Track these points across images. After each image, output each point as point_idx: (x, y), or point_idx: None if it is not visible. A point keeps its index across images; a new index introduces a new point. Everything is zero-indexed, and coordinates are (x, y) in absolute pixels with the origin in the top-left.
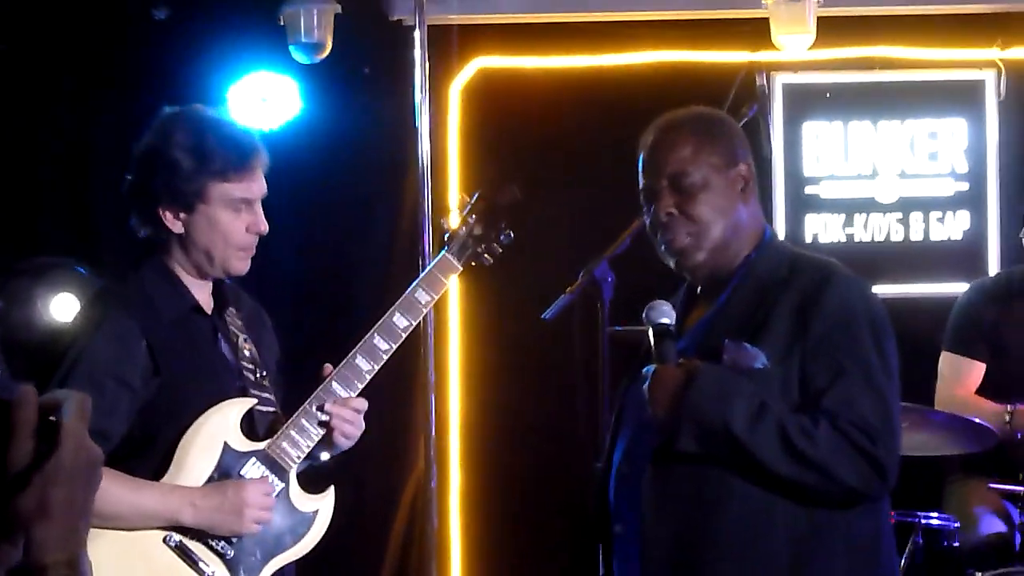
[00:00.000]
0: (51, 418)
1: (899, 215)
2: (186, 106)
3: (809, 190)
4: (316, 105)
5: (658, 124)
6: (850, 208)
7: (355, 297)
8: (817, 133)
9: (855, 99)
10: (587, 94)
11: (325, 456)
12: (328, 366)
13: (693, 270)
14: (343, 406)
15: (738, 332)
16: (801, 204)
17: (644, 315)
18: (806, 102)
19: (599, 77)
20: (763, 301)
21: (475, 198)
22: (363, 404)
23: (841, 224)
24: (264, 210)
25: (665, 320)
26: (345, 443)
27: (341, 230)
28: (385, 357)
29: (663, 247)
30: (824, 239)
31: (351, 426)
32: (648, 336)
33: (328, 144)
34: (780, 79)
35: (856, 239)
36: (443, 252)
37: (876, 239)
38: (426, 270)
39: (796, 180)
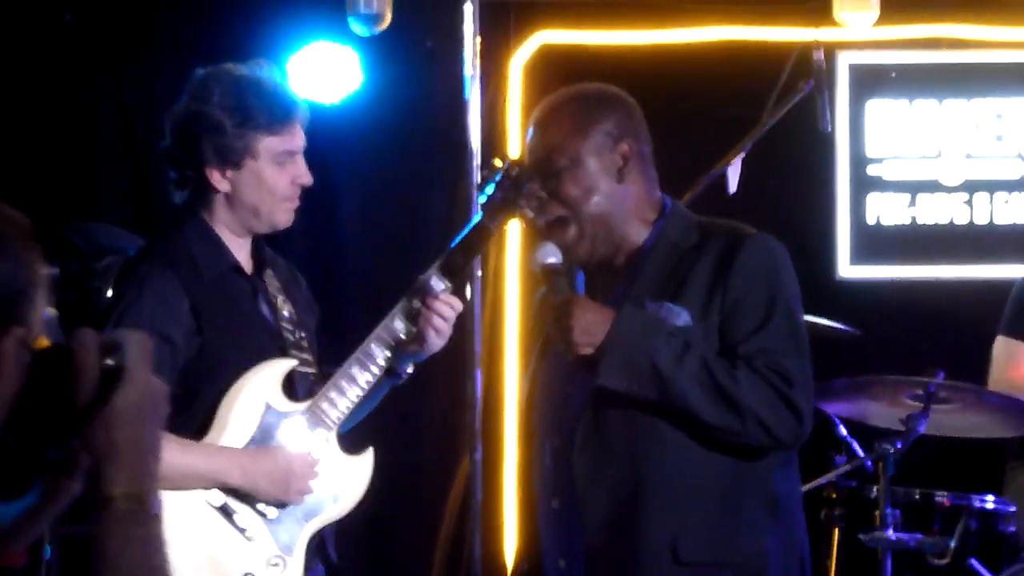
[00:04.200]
0: (110, 360)
1: (964, 196)
2: (217, 66)
3: (872, 170)
4: (377, 78)
5: (542, 104)
6: (914, 189)
7: (412, 271)
8: (881, 113)
9: (920, 79)
10: (649, 71)
11: (408, 368)
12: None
13: (583, 262)
14: (439, 299)
15: (655, 296)
16: (864, 184)
17: (531, 262)
18: (871, 81)
19: (661, 54)
20: (677, 266)
21: (506, 163)
22: (460, 304)
23: (905, 205)
24: (325, 184)
25: (552, 259)
26: (436, 342)
27: (401, 205)
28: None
29: (545, 231)
30: (887, 220)
31: (444, 321)
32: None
33: (388, 117)
34: (845, 57)
35: (920, 221)
36: (478, 217)
37: (940, 221)
38: (461, 235)
39: (859, 160)
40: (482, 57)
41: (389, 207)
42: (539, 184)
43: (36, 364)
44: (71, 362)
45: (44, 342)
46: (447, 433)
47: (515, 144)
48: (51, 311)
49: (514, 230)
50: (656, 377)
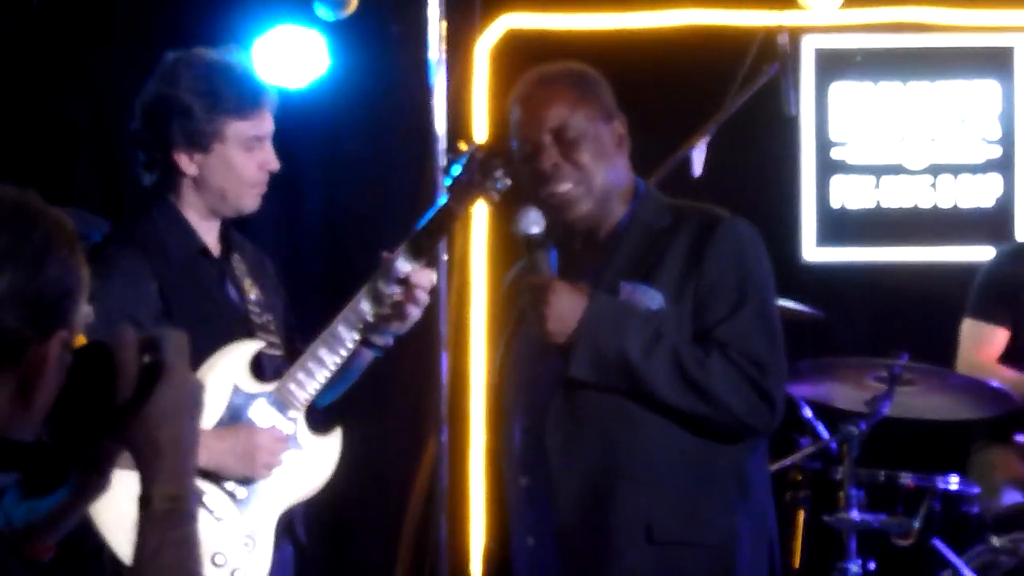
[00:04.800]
0: (148, 357)
1: (929, 179)
2: (188, 50)
3: (836, 153)
4: (343, 62)
5: (532, 80)
6: (878, 172)
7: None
8: (846, 96)
9: (885, 62)
10: (615, 55)
11: (386, 340)
12: (387, 253)
13: (576, 221)
14: (416, 275)
15: (629, 276)
16: (829, 167)
17: (514, 227)
18: (835, 65)
19: (627, 38)
20: (652, 247)
21: (472, 146)
22: (434, 275)
23: (870, 188)
24: (291, 168)
25: (536, 229)
26: (414, 315)
27: (366, 188)
28: (388, 301)
29: (548, 199)
30: (851, 203)
31: (423, 293)
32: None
33: (354, 102)
34: (810, 41)
35: (884, 204)
36: (444, 199)
37: (904, 204)
38: (427, 217)
39: (824, 143)
40: (448, 42)
41: (355, 191)
42: (553, 150)
43: (76, 363)
44: (110, 360)
45: (82, 340)
46: (414, 416)
47: (481, 128)
48: (87, 310)
49: (481, 214)
50: (626, 368)
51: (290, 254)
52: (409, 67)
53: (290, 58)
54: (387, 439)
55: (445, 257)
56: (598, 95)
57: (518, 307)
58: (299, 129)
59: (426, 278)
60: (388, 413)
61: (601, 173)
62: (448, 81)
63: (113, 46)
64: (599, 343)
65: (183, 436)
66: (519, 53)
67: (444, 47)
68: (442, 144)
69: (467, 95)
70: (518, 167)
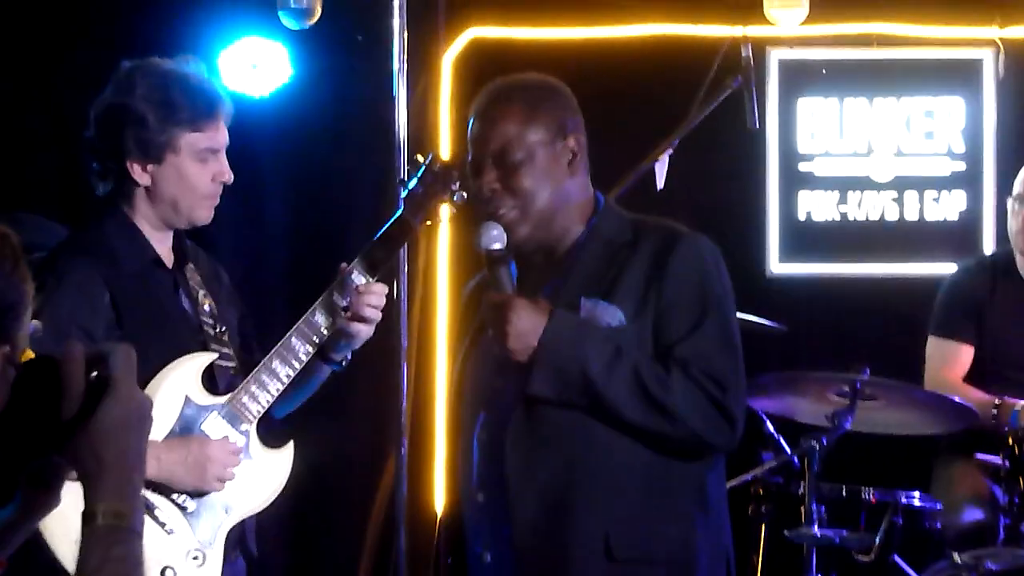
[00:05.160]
0: (95, 372)
1: (894, 194)
2: (144, 59)
3: (803, 167)
4: (307, 72)
5: (488, 93)
6: (844, 186)
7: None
8: (812, 110)
9: (851, 76)
10: (580, 67)
11: (346, 354)
12: (345, 265)
13: (520, 244)
14: (366, 290)
15: (589, 293)
16: (795, 181)
17: (474, 241)
18: (801, 78)
19: (591, 49)
20: (611, 263)
21: (429, 159)
22: (385, 289)
23: (835, 202)
24: (254, 177)
25: (497, 245)
26: (366, 330)
27: (328, 199)
28: (344, 314)
29: (489, 219)
30: (817, 217)
31: (375, 309)
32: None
33: (319, 112)
34: (776, 54)
35: (850, 217)
36: (399, 212)
37: (870, 218)
38: (383, 230)
39: (790, 157)
40: (412, 52)
41: (317, 201)
42: (493, 174)
43: (21, 377)
44: (57, 375)
45: (29, 354)
46: (375, 428)
47: (445, 139)
48: (36, 323)
49: (444, 225)
50: (586, 385)
51: (252, 264)
52: (372, 77)
53: (254, 67)
54: (348, 450)
55: (406, 268)
56: (552, 110)
57: (476, 320)
58: (262, 138)
59: (376, 294)
60: (349, 424)
61: (543, 196)
62: (412, 91)
63: (75, 55)
64: (560, 361)
65: (129, 452)
66: (484, 63)
67: (407, 57)
68: (404, 155)
69: (432, 105)
70: (470, 182)
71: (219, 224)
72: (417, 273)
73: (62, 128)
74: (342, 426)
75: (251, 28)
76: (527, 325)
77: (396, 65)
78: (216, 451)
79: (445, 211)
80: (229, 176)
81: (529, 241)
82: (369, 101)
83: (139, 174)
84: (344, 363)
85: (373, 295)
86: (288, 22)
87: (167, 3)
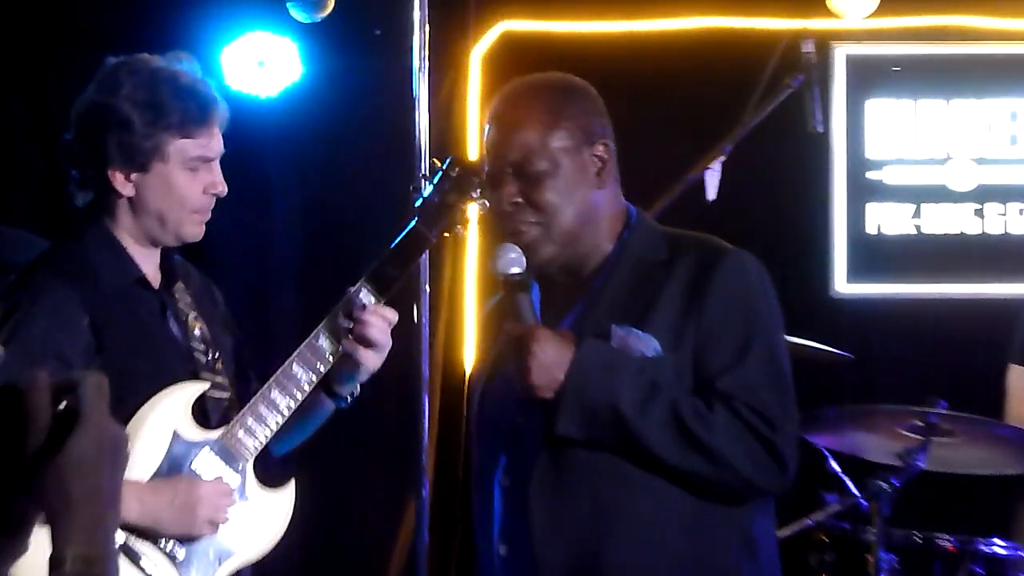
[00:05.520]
0: (63, 403)
1: (975, 205)
2: (133, 56)
3: (872, 175)
4: (319, 70)
5: (506, 96)
6: (919, 197)
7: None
8: (883, 112)
9: (926, 74)
10: (620, 64)
11: (352, 389)
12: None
13: (543, 265)
14: (372, 313)
15: (620, 319)
16: (863, 191)
17: (491, 265)
18: (871, 76)
19: (634, 45)
20: (645, 284)
21: (447, 162)
22: (393, 314)
23: (909, 215)
24: (262, 185)
25: (516, 269)
26: (370, 359)
27: (344, 210)
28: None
29: (509, 239)
30: (888, 231)
31: (382, 334)
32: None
33: (332, 113)
34: (842, 50)
35: (925, 231)
36: (412, 223)
37: (948, 232)
38: (394, 243)
39: (858, 164)
40: (436, 47)
41: (329, 213)
42: (514, 187)
43: None
44: (20, 405)
45: None
46: (393, 469)
47: (473, 144)
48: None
49: (473, 238)
50: (619, 425)
51: (259, 282)
52: (391, 75)
53: (261, 65)
54: (363, 495)
55: (427, 288)
56: (578, 114)
57: (495, 350)
58: (269, 143)
59: (383, 316)
60: (364, 465)
61: (568, 211)
62: (436, 91)
63: (64, 51)
64: (588, 397)
65: (100, 491)
66: (516, 60)
67: (429, 53)
68: (426, 162)
69: (459, 107)
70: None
71: (220, 239)
72: (441, 293)
73: (49, 132)
74: (356, 467)
75: (257, 22)
76: (551, 358)
77: (417, 62)
78: (207, 492)
79: (466, 220)
80: (222, 188)
81: (553, 262)
82: (388, 102)
83: (122, 183)
84: (351, 398)
85: (380, 317)
86: (298, 15)
87: None
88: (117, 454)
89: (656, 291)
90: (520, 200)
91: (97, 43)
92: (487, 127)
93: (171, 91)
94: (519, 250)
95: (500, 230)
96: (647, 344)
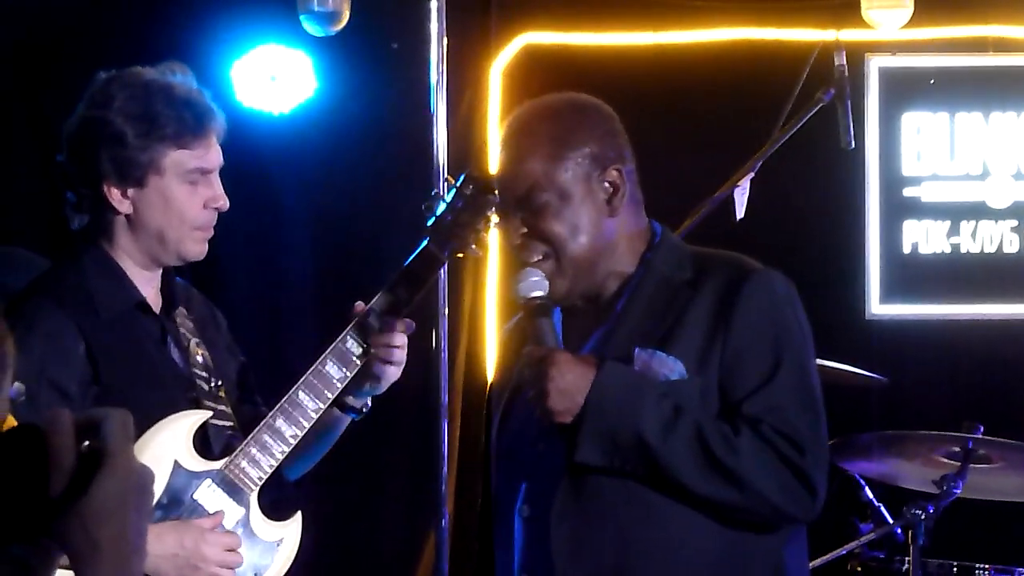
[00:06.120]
0: (87, 442)
1: (1014, 223)
2: (125, 69)
3: (908, 192)
4: (333, 85)
5: (512, 123)
6: (957, 214)
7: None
8: (919, 126)
9: (964, 86)
10: (645, 77)
11: (367, 401)
12: (360, 304)
13: (560, 301)
14: (388, 330)
15: (644, 341)
16: (899, 209)
17: (513, 289)
18: (906, 89)
19: (659, 57)
20: (670, 305)
21: (461, 179)
22: (407, 327)
23: (946, 233)
24: (274, 204)
25: (538, 292)
26: (392, 373)
27: (360, 230)
28: (359, 363)
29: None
30: (925, 249)
31: (398, 351)
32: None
33: (347, 130)
34: (875, 62)
35: (963, 250)
36: (424, 243)
37: (987, 250)
38: (406, 263)
39: (893, 181)
40: (455, 61)
41: (344, 232)
42: (518, 219)
43: (2, 450)
44: (43, 446)
45: (12, 421)
46: (412, 500)
47: (493, 158)
48: (18, 387)
49: (495, 257)
50: (642, 450)
51: (271, 303)
52: (409, 90)
53: (273, 80)
54: (380, 526)
55: (446, 311)
56: (588, 141)
57: (515, 375)
58: (283, 161)
59: (396, 333)
60: (381, 496)
61: (579, 242)
62: (455, 107)
63: (71, 70)
64: (610, 423)
65: (127, 534)
66: (539, 74)
67: (448, 67)
68: (442, 177)
69: (479, 123)
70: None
71: (232, 259)
72: (461, 316)
73: (49, 149)
74: (372, 498)
75: (269, 35)
76: (571, 382)
77: (435, 77)
78: (212, 550)
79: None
80: (224, 202)
81: (570, 296)
82: (405, 118)
83: (118, 200)
84: (364, 410)
85: (394, 335)
86: (311, 28)
87: (175, 9)
88: (143, 496)
89: (681, 312)
90: (525, 231)
91: (102, 58)
92: (499, 152)
93: (165, 102)
94: (541, 273)
95: (513, 261)
96: (671, 367)
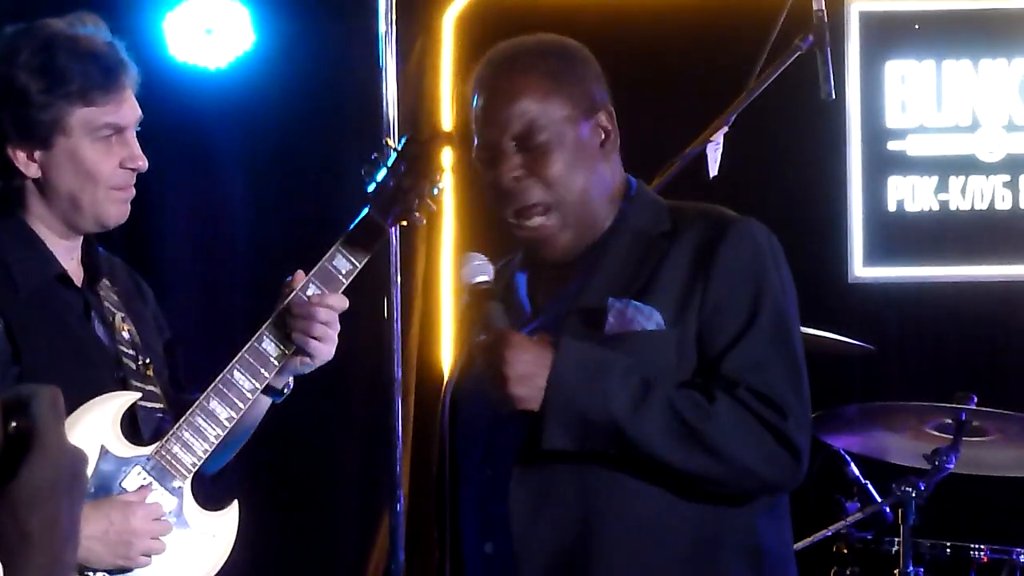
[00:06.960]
0: (14, 423)
1: (1006, 177)
2: (31, 22)
3: (893, 146)
4: (273, 37)
5: (497, 62)
6: (945, 169)
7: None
8: (903, 75)
9: (951, 32)
10: (611, 27)
11: (289, 381)
12: (300, 273)
13: (554, 251)
14: (315, 304)
15: (620, 293)
16: (883, 163)
17: (458, 278)
18: (890, 36)
19: (627, 7)
20: (646, 256)
21: (403, 143)
22: (342, 302)
23: (933, 188)
24: (210, 165)
25: (483, 277)
26: (324, 352)
27: (302, 193)
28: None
29: (515, 231)
30: (911, 207)
31: (329, 325)
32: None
33: (288, 85)
34: (856, 6)
35: (952, 207)
36: (365, 210)
37: (977, 207)
38: (345, 233)
39: (877, 134)
40: (404, 11)
41: (285, 195)
42: (518, 162)
43: None
44: None
45: None
46: (366, 480)
47: (447, 113)
48: None
49: (449, 222)
50: (613, 431)
51: (205, 275)
52: (355, 42)
53: (208, 33)
54: (333, 510)
55: (398, 280)
56: (579, 81)
57: (464, 360)
58: (219, 119)
59: (325, 306)
60: (333, 478)
61: (578, 185)
62: (404, 60)
63: None
64: (577, 406)
65: (60, 521)
66: (493, 25)
67: (396, 17)
68: (395, 135)
69: (431, 76)
70: (479, 173)
71: (163, 226)
72: (414, 285)
73: None
74: (321, 481)
75: None
76: (531, 363)
77: (383, 27)
78: (142, 519)
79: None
80: (143, 162)
81: (569, 250)
82: (351, 72)
83: (24, 163)
84: (286, 391)
85: (321, 309)
86: None
87: None
88: (76, 480)
89: (658, 263)
90: (522, 172)
91: (23, 11)
92: (474, 96)
93: (69, 56)
94: (484, 258)
95: (503, 209)
96: (648, 317)
